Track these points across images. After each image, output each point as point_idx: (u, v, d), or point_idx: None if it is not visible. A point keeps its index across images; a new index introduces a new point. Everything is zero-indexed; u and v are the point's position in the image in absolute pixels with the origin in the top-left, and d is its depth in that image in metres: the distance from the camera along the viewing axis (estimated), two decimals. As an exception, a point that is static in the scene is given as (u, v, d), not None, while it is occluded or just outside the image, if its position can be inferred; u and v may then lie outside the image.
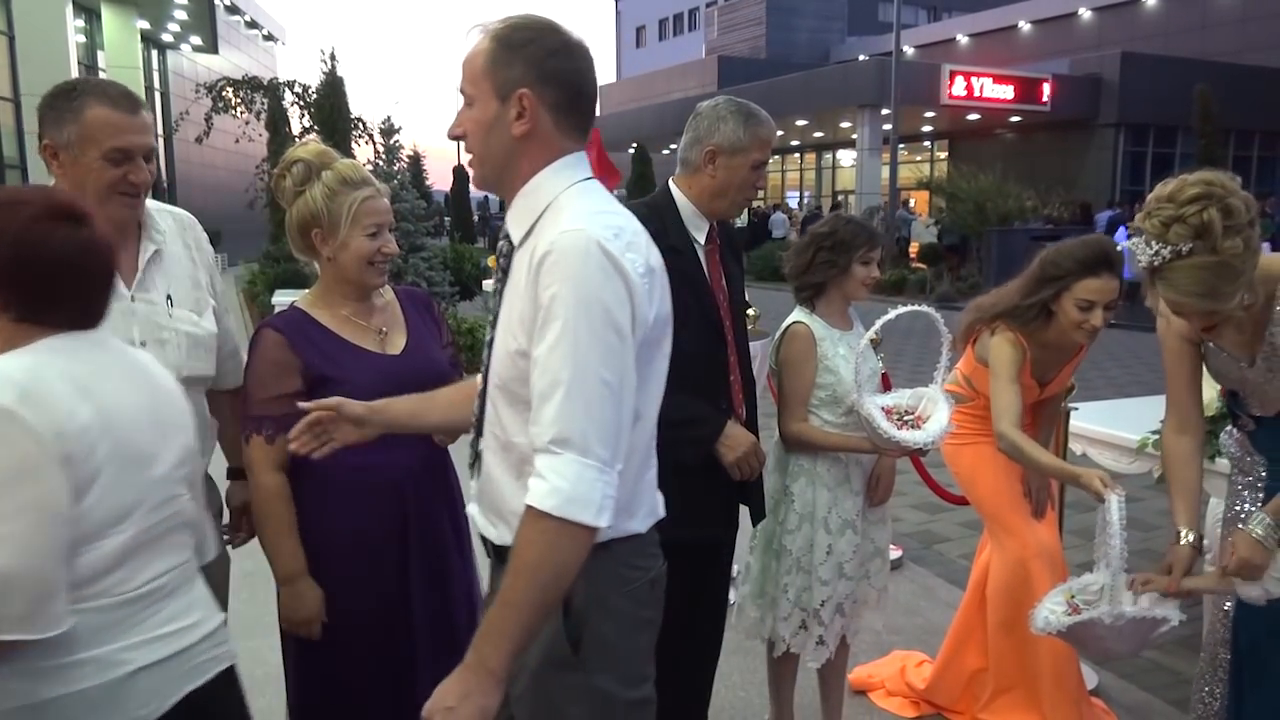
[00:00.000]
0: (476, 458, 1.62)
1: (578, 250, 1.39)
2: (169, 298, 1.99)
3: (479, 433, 1.61)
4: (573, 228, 1.41)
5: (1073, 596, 2.29)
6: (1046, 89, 25.33)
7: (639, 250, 1.47)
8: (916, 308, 2.50)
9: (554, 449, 1.36)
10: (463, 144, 1.55)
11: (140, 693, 1.43)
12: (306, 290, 2.15)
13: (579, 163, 1.55)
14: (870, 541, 2.73)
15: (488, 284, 7.61)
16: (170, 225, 2.07)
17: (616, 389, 1.40)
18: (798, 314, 2.67)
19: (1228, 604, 2.26)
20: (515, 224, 1.53)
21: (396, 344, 2.09)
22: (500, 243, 1.57)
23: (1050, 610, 2.28)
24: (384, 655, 2.04)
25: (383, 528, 2.01)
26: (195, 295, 2.06)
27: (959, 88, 24.21)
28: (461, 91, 1.53)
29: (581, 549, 1.39)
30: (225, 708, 1.60)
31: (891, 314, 2.42)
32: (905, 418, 2.50)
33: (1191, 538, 2.13)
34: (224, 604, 2.12)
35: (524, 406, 1.44)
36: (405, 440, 2.00)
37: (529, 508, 1.37)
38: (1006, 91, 24.94)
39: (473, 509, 1.65)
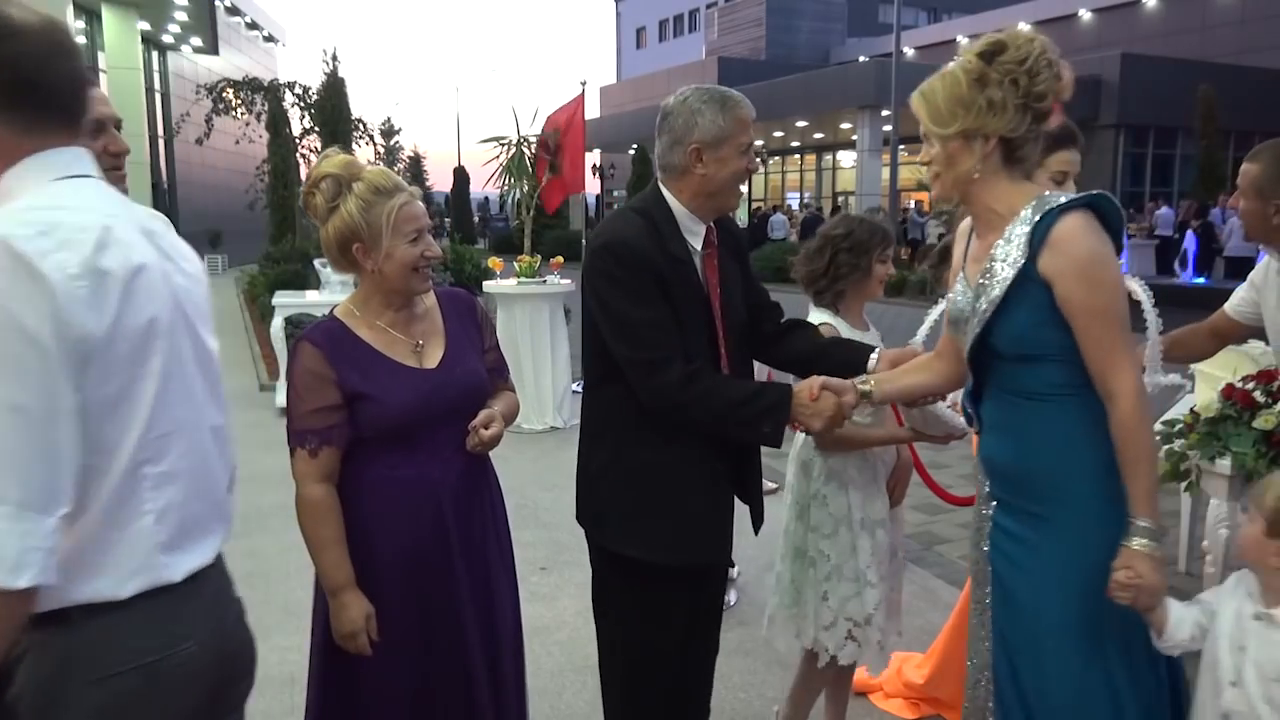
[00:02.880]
0: None
1: None
2: None
3: None
4: None
5: None
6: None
7: (77, 249, 1.24)
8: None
9: None
10: None
11: None
12: (343, 298, 2.10)
13: (62, 161, 1.35)
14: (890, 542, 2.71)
15: (489, 285, 7.61)
16: None
17: (37, 415, 1.17)
18: (821, 315, 2.63)
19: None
20: None
21: (433, 356, 2.05)
22: None
23: None
24: (440, 670, 2.02)
25: (425, 543, 1.99)
26: None
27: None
28: None
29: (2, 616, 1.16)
30: None
31: (935, 311, 2.40)
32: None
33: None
34: None
35: None
36: (442, 454, 1.99)
37: None
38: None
39: None
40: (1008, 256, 1.78)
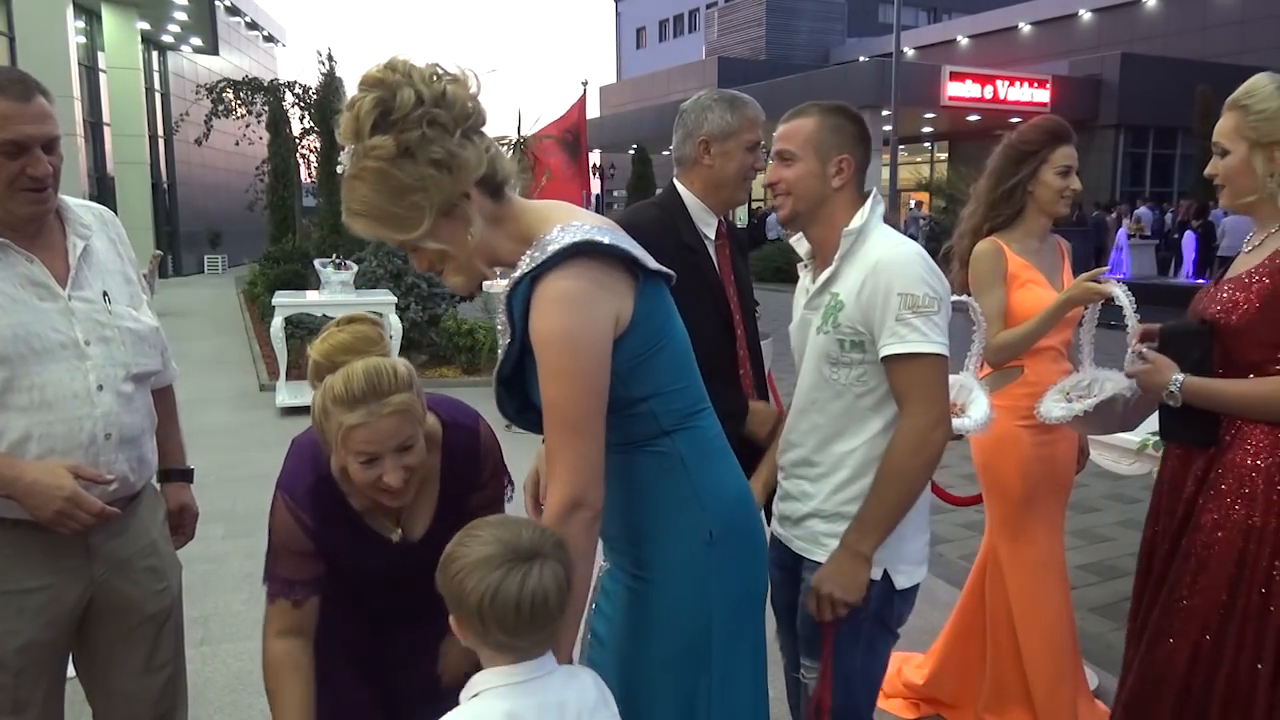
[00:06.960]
0: None
1: None
2: (105, 294, 1.91)
3: None
4: None
5: (1067, 393, 2.49)
6: (1046, 90, 25.36)
7: None
8: (956, 297, 2.49)
9: None
10: None
11: None
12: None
13: None
14: None
15: (488, 285, 7.58)
16: (93, 220, 1.97)
17: None
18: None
19: None
20: None
21: (419, 525, 1.84)
22: None
23: (1057, 405, 2.46)
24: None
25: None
26: (129, 291, 1.98)
27: (958, 89, 24.24)
28: None
29: None
30: None
31: None
32: None
33: None
34: (176, 606, 2.09)
35: None
36: (393, 616, 1.93)
37: None
38: (1005, 92, 24.97)
39: None
40: (512, 310, 1.48)
